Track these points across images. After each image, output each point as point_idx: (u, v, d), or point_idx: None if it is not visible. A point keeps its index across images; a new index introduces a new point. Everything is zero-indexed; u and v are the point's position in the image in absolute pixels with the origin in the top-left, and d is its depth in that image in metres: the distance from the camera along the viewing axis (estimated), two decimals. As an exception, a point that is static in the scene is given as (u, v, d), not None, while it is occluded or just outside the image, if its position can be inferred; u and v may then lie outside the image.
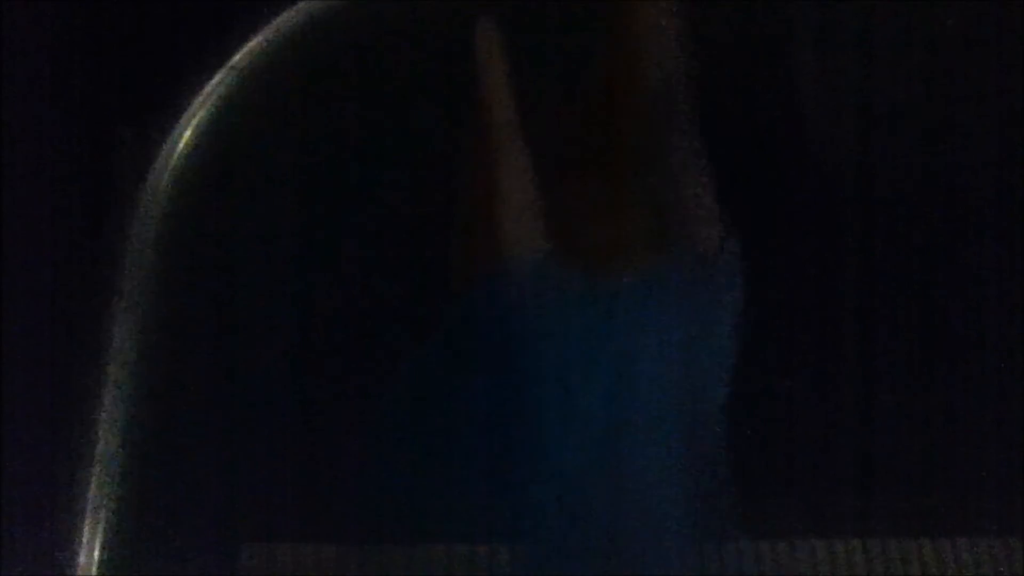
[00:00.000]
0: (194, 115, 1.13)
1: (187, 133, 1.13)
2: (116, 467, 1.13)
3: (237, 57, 1.17)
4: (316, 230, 1.91)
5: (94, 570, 1.10)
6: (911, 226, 2.52)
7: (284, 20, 1.18)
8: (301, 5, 1.19)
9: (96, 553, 1.11)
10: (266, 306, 1.80)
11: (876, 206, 2.64)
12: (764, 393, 2.65)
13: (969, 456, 2.58)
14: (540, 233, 1.71)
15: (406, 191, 2.05)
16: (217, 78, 1.15)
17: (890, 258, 2.53)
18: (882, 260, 2.52)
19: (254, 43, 1.17)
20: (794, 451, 2.69)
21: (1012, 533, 2.68)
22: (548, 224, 1.72)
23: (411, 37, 1.86)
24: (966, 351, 2.50)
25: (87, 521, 1.12)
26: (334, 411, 2.07)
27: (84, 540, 1.11)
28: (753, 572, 2.71)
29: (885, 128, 2.55)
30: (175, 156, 1.13)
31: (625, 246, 1.67)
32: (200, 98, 1.15)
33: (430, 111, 2.01)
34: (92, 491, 1.12)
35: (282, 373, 1.83)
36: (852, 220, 2.56)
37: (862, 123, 2.51)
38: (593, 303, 1.66)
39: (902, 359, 2.55)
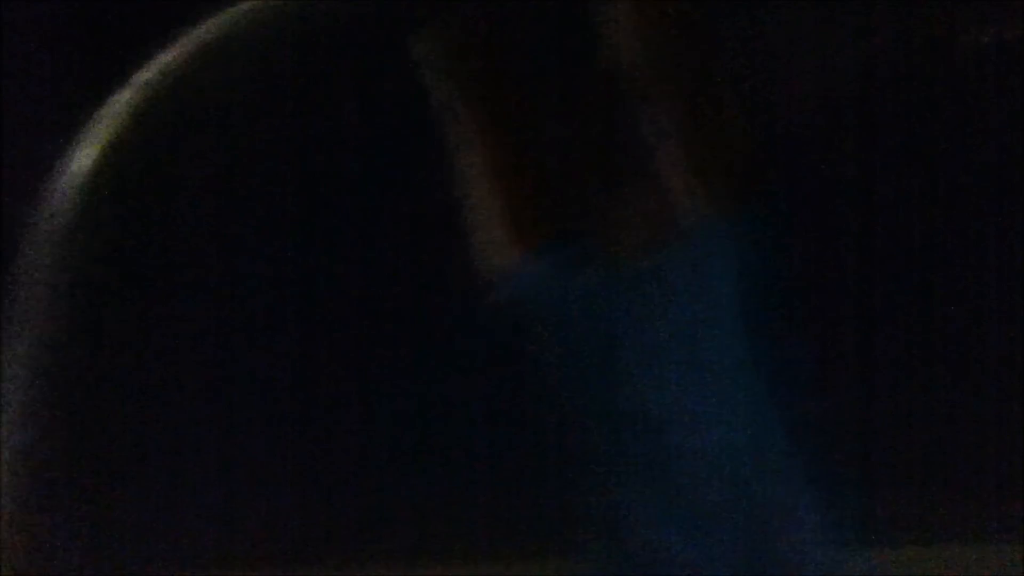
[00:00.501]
0: (99, 128, 1.11)
1: (91, 145, 1.11)
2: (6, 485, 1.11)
3: (144, 72, 1.15)
4: (222, 242, 1.88)
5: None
6: (911, 230, 2.48)
7: (194, 35, 1.17)
8: (211, 21, 1.17)
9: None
10: (172, 316, 1.78)
11: (875, 209, 2.60)
12: (763, 401, 2.57)
13: (968, 463, 2.55)
14: (532, 229, 1.70)
15: (321, 201, 2.03)
16: (123, 93, 1.12)
17: (892, 263, 2.50)
18: (884, 265, 2.49)
19: (162, 58, 1.15)
20: (795, 448, 2.62)
21: (1010, 538, 2.66)
22: (544, 221, 1.71)
23: (322, 50, 1.84)
24: (966, 359, 2.46)
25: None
26: (247, 421, 2.05)
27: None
28: (756, 568, 2.62)
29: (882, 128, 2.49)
30: (77, 167, 1.11)
31: (630, 232, 1.68)
32: (105, 111, 1.12)
33: (344, 121, 1.98)
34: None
35: (185, 384, 1.81)
36: (852, 223, 2.51)
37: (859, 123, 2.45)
38: (609, 290, 1.66)
39: (903, 367, 2.52)
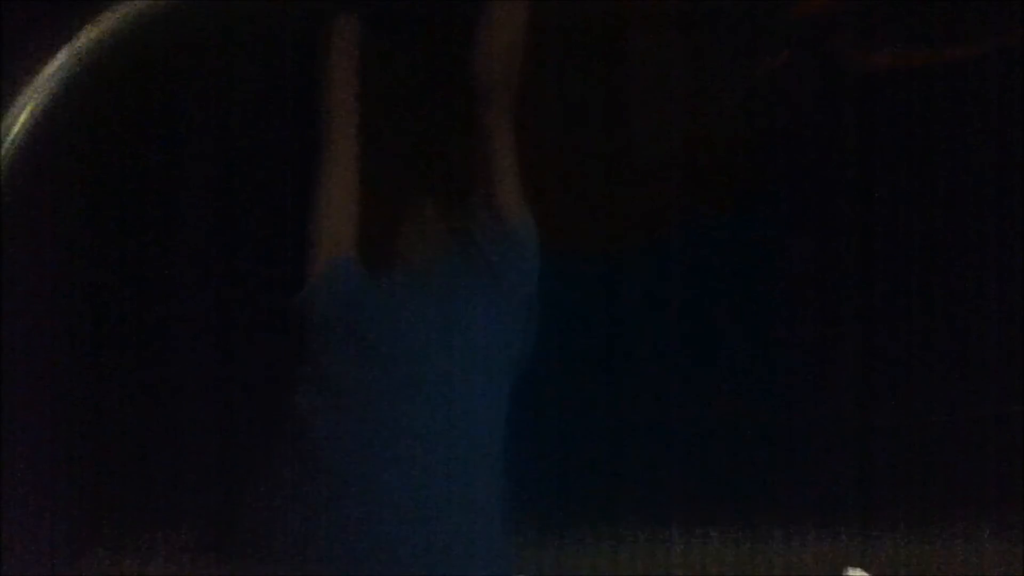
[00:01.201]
0: (30, 99, 1.10)
1: (22, 117, 1.10)
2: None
3: (78, 43, 1.13)
4: (153, 220, 1.87)
5: None
6: (912, 232, 2.46)
7: (127, 10, 1.16)
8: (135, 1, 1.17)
9: None
10: (101, 292, 1.77)
11: (878, 207, 2.56)
12: (766, 391, 2.58)
13: (969, 458, 2.51)
14: (352, 237, 1.73)
15: (245, 182, 2.02)
16: (55, 63, 1.11)
17: (892, 257, 2.48)
18: (884, 259, 2.48)
19: (94, 30, 1.14)
20: (796, 449, 2.63)
21: (1011, 534, 2.60)
22: (364, 227, 1.74)
23: (253, 34, 1.83)
24: (966, 348, 2.43)
25: None
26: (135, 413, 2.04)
27: None
28: (756, 566, 2.63)
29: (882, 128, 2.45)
30: (7, 142, 1.10)
31: (424, 236, 1.73)
32: (37, 83, 1.11)
33: (270, 108, 1.97)
34: None
35: (106, 367, 1.80)
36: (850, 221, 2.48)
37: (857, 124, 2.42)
38: (402, 295, 1.70)
39: (902, 353, 2.49)
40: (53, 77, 1.12)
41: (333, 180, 1.76)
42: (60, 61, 1.11)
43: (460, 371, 1.71)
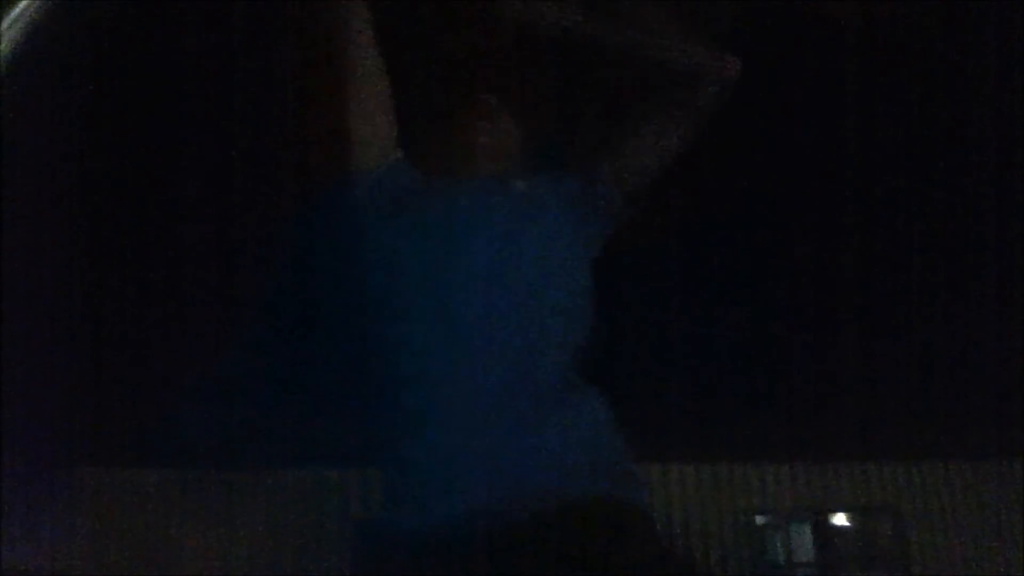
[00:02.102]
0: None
1: None
2: None
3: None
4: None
5: None
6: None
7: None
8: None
9: None
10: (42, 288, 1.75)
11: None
12: (766, 319, 2.61)
13: (968, 379, 2.57)
14: (391, 138, 1.70)
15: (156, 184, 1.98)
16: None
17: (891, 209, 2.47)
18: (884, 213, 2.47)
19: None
20: (794, 377, 2.67)
21: (1011, 456, 2.70)
22: (400, 128, 1.72)
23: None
24: (966, 269, 2.46)
25: None
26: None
27: None
28: (753, 495, 2.71)
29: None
30: None
31: (477, 151, 1.69)
32: None
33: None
34: None
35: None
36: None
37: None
38: (439, 204, 1.65)
39: (904, 273, 2.53)
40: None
41: (366, 88, 1.71)
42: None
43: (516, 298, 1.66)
